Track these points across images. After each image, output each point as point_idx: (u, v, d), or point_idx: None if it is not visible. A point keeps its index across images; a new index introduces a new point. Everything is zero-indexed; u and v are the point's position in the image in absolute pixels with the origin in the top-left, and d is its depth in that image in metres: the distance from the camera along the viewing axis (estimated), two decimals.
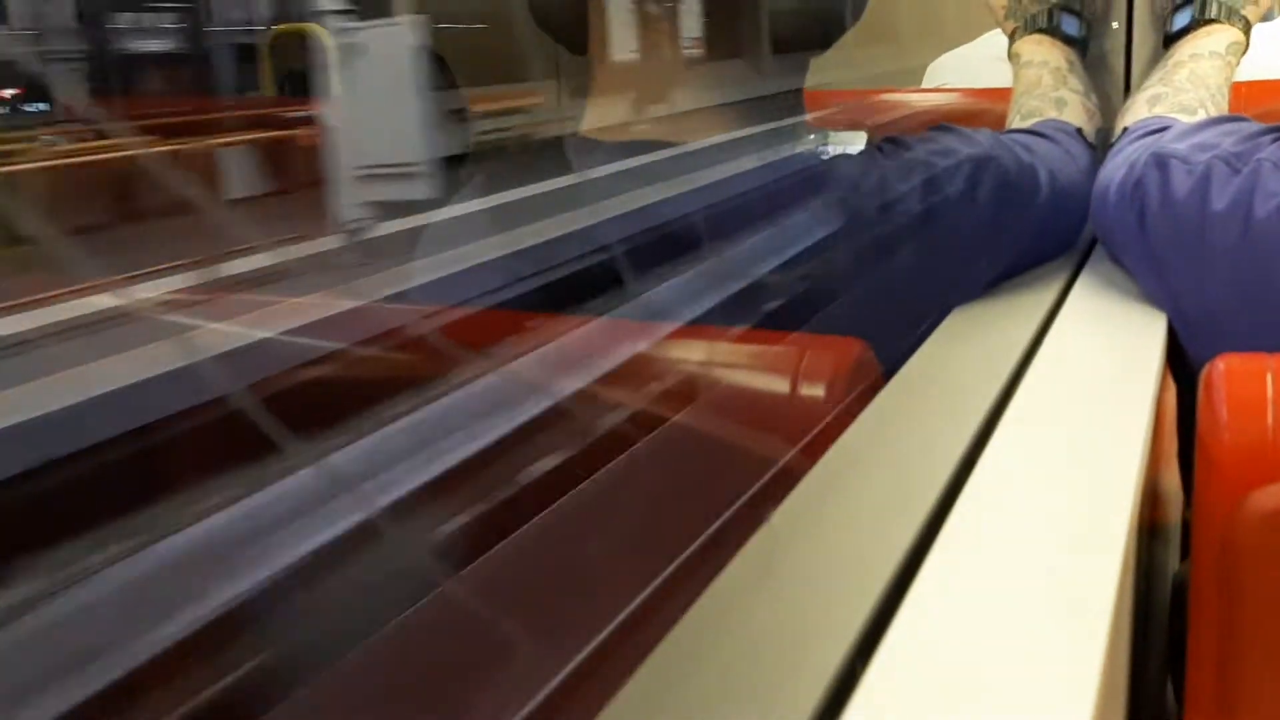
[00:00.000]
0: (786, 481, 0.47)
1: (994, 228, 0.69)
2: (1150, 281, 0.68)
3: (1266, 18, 0.95)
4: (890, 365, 0.60)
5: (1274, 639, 0.50)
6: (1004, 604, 0.36)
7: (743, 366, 0.59)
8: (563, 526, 0.43)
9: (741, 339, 0.60)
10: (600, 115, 0.75)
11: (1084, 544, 0.39)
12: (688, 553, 0.43)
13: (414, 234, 0.76)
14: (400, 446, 0.43)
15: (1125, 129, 0.82)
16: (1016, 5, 0.97)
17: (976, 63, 1.57)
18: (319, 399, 0.48)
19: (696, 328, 0.59)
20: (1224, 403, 0.51)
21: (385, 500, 0.39)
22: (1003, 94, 0.96)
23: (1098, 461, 0.46)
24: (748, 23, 0.77)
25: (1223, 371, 0.53)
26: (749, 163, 0.70)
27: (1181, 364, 0.66)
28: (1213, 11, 0.90)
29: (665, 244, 0.62)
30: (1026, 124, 0.85)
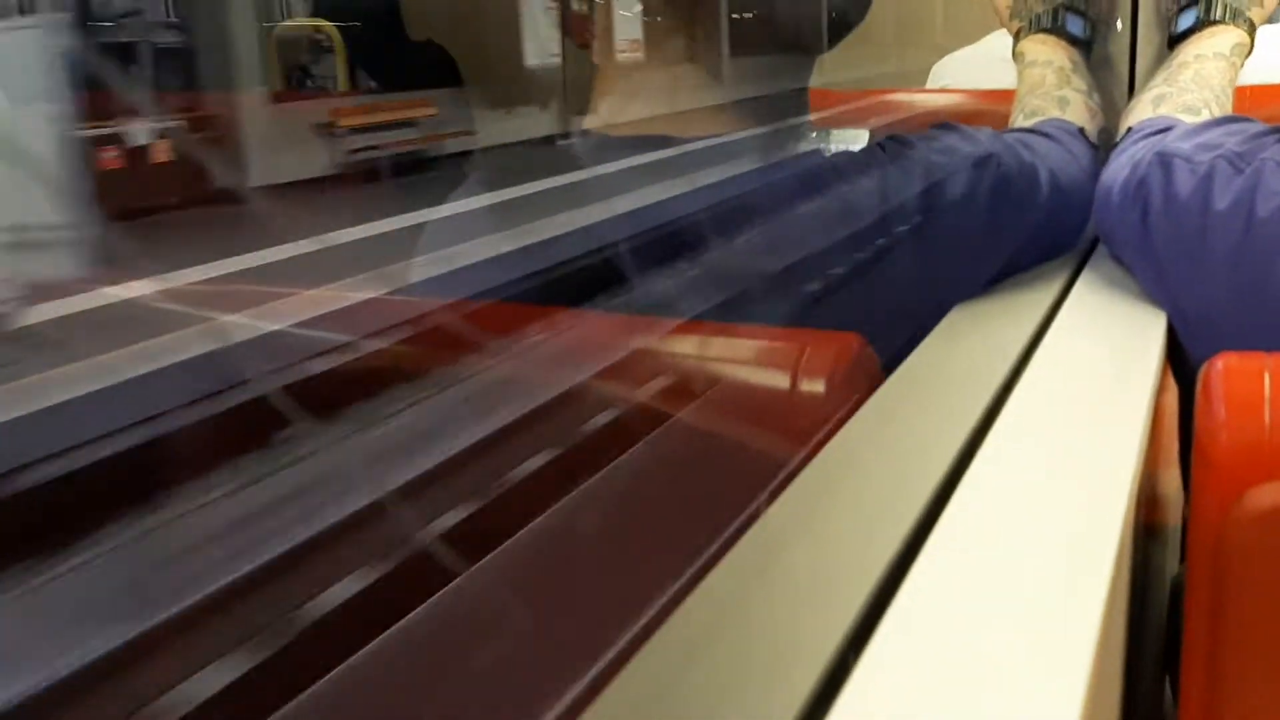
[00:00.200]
0: (784, 476, 0.47)
1: (994, 226, 0.69)
2: (1151, 281, 0.68)
3: (1272, 20, 0.94)
4: (890, 362, 0.60)
5: (1268, 638, 0.50)
6: (995, 603, 0.35)
7: (742, 362, 0.59)
8: (557, 523, 0.43)
9: (741, 334, 0.60)
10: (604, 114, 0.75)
11: (1077, 543, 0.39)
12: (683, 547, 0.43)
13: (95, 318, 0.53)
14: (391, 445, 0.43)
15: (1129, 129, 0.82)
16: (1021, 5, 0.97)
17: (981, 63, 1.56)
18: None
19: (695, 323, 0.59)
20: (1221, 402, 0.51)
21: (380, 498, 0.39)
22: (1007, 95, 0.96)
23: (1093, 460, 0.46)
24: (752, 23, 0.76)
25: (1220, 370, 0.53)
26: (746, 162, 0.70)
27: (1183, 364, 0.66)
28: (1217, 13, 0.90)
29: (659, 247, 0.63)
30: (1029, 123, 0.85)
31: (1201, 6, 0.91)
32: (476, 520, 0.41)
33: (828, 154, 0.72)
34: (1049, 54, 0.92)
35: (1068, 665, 0.32)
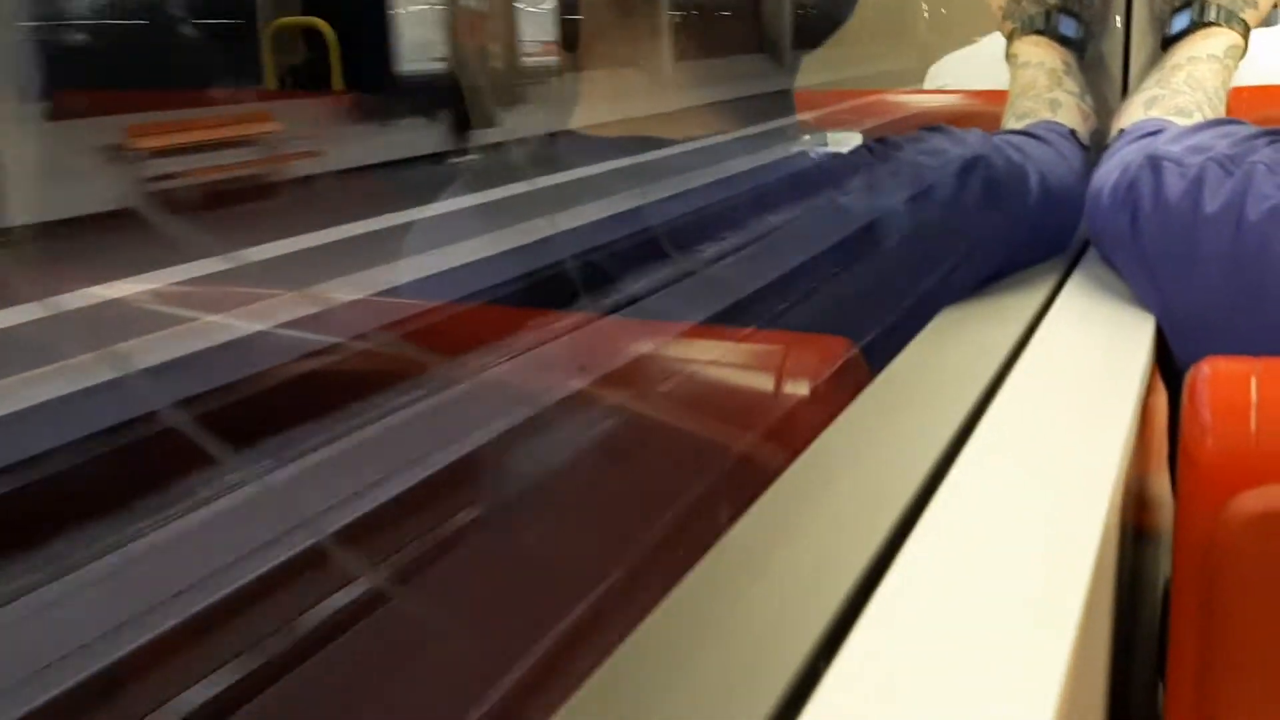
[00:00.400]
0: (768, 479, 0.47)
1: (982, 229, 0.69)
2: (1141, 283, 0.68)
3: (1266, 22, 0.94)
4: (878, 364, 0.59)
5: (1255, 644, 0.50)
6: (972, 605, 0.35)
7: (728, 364, 0.59)
8: (535, 521, 0.43)
9: (727, 337, 0.60)
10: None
11: (1056, 545, 0.39)
12: (663, 548, 0.43)
13: None
14: (370, 453, 0.43)
15: (1121, 131, 0.82)
16: (1015, 6, 0.96)
17: (978, 64, 1.56)
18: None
19: (680, 325, 0.59)
20: (1208, 406, 0.51)
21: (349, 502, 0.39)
22: (1004, 96, 0.96)
23: (1076, 463, 0.46)
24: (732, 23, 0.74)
25: (1207, 375, 0.52)
26: (698, 176, 0.69)
27: (1172, 368, 0.66)
28: (1211, 15, 0.90)
29: (645, 249, 0.62)
30: (1021, 125, 0.85)
31: (1195, 8, 0.91)
32: (451, 521, 0.40)
33: (816, 156, 0.72)
34: (1041, 56, 0.92)
35: (1044, 666, 0.32)
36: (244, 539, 0.34)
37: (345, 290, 0.48)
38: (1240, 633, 0.51)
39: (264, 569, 0.32)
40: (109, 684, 0.28)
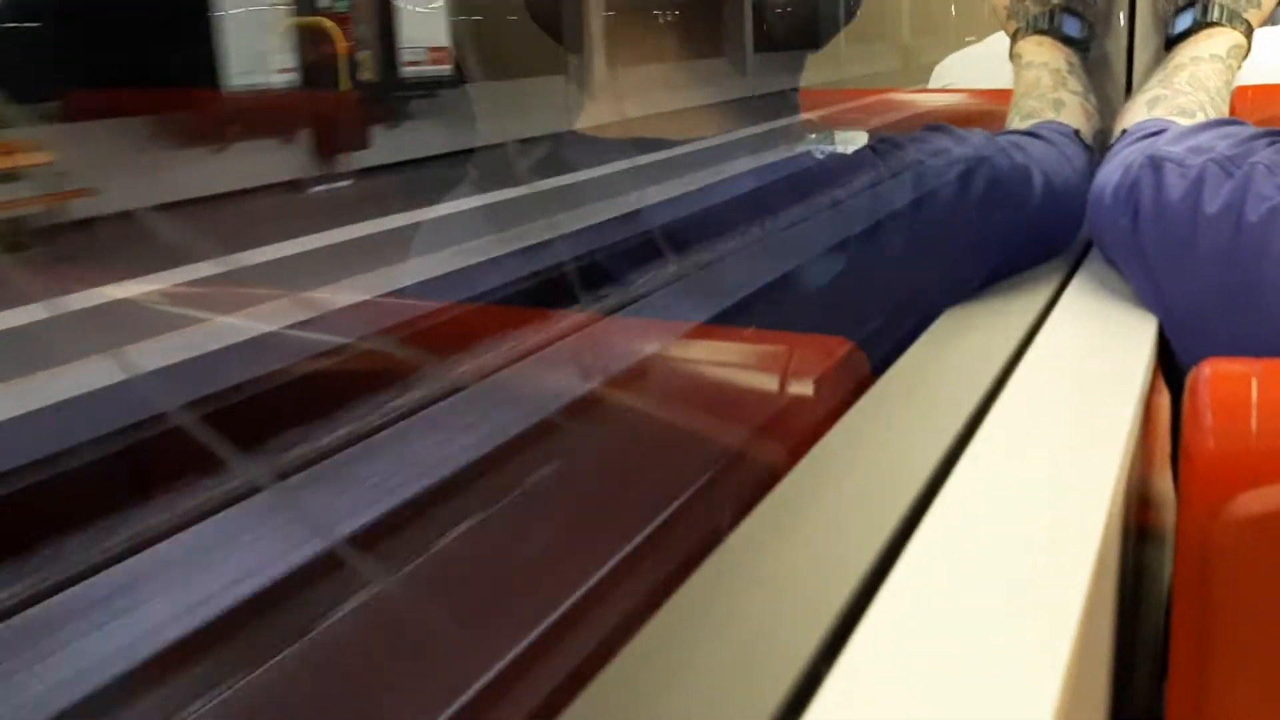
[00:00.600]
0: (770, 480, 0.47)
1: (985, 228, 0.69)
2: (1143, 284, 0.68)
3: (1270, 21, 0.94)
4: (880, 365, 0.59)
5: (1255, 644, 0.50)
6: (973, 606, 0.35)
7: (730, 365, 0.59)
8: (538, 521, 0.43)
9: (729, 337, 0.60)
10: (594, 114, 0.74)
11: (1058, 546, 0.39)
12: (665, 549, 0.43)
13: None
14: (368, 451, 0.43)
15: (1124, 131, 0.82)
16: (1018, 6, 0.96)
17: (984, 63, 1.56)
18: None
19: (682, 325, 0.59)
20: (1208, 407, 0.51)
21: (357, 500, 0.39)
22: (1009, 95, 0.96)
23: (1077, 463, 0.46)
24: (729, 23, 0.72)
25: (1207, 376, 0.52)
26: (738, 165, 0.68)
27: (1174, 369, 0.66)
28: (1215, 14, 0.90)
29: (647, 249, 0.62)
30: (1025, 125, 0.85)
31: (1199, 8, 0.91)
32: (455, 516, 0.41)
33: (820, 155, 0.72)
34: (1045, 56, 0.92)
35: (1044, 666, 0.32)
36: (263, 542, 0.34)
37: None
38: (1241, 633, 0.51)
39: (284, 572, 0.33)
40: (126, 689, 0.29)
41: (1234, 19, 0.90)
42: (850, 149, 0.73)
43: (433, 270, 0.50)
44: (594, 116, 0.61)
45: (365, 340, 0.43)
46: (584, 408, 0.52)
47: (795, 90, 0.76)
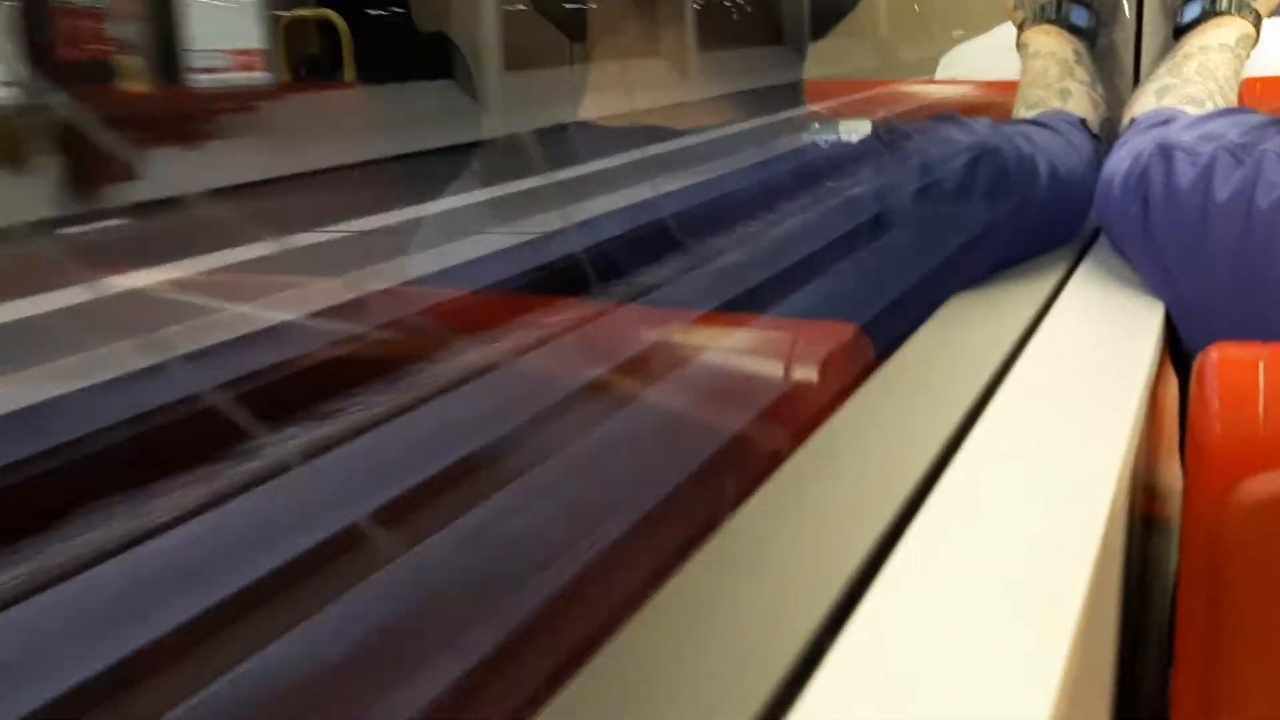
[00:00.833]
0: (773, 464, 0.47)
1: (991, 217, 0.69)
2: (1151, 272, 0.68)
3: (1279, 11, 0.94)
4: (886, 351, 0.59)
5: (1261, 629, 0.50)
6: (974, 592, 0.35)
7: (735, 350, 0.59)
8: (541, 506, 0.43)
9: (735, 323, 0.60)
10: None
11: (1061, 533, 0.39)
12: (667, 534, 0.43)
13: None
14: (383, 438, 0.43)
15: (1133, 120, 0.82)
16: None
17: (991, 54, 1.56)
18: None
19: (688, 312, 0.59)
20: (1215, 392, 0.51)
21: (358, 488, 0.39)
22: (1016, 87, 0.95)
23: (1082, 450, 0.46)
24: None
25: (1215, 361, 0.52)
26: (745, 152, 0.68)
27: (1182, 357, 0.65)
28: (1223, 4, 0.90)
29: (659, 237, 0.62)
30: (1031, 114, 0.85)
31: None
32: (453, 503, 0.41)
33: (826, 144, 0.71)
34: (1052, 45, 0.92)
35: (1046, 653, 0.32)
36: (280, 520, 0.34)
37: None
38: (1247, 618, 0.51)
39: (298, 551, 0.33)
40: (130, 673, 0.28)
41: (1243, 8, 0.89)
42: (856, 139, 0.72)
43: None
44: (492, 129, 0.53)
45: None
46: (585, 395, 0.52)
47: (771, 89, 0.74)
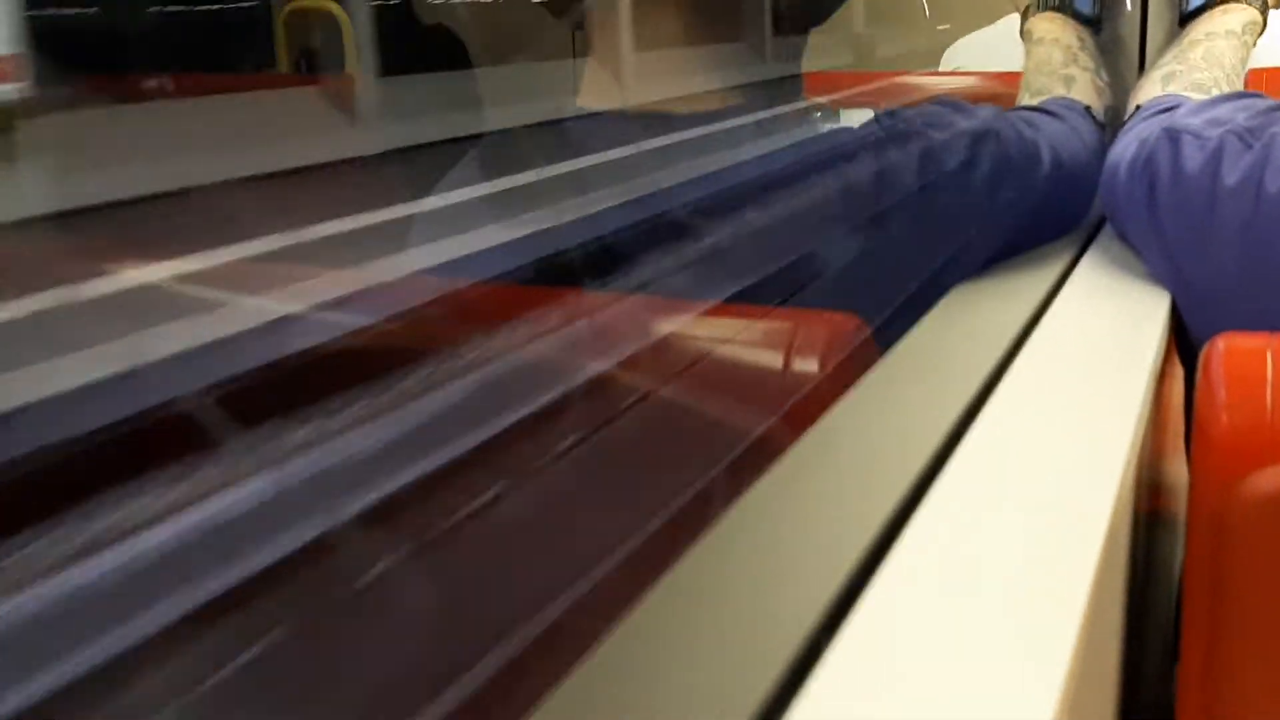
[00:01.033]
0: (773, 455, 0.46)
1: (993, 203, 0.68)
2: (1157, 259, 0.67)
3: None
4: (888, 342, 0.58)
5: (1268, 625, 0.49)
6: (976, 585, 0.34)
7: (735, 341, 0.58)
8: (539, 498, 0.43)
9: (734, 313, 0.59)
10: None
11: (1065, 526, 0.38)
12: (666, 523, 0.42)
13: None
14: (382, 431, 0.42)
15: (1138, 107, 0.81)
16: None
17: (996, 46, 1.55)
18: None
19: (687, 302, 0.58)
20: (1222, 383, 0.50)
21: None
22: (1019, 78, 0.94)
23: (1087, 441, 0.45)
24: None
25: (1221, 351, 0.51)
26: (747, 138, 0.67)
27: (1188, 346, 0.64)
28: None
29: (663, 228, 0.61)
30: (1035, 101, 0.84)
31: None
32: (454, 495, 0.40)
33: (825, 129, 0.70)
34: (1056, 32, 0.91)
35: (1049, 647, 0.31)
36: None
37: None
38: (1253, 614, 0.50)
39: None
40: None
41: None
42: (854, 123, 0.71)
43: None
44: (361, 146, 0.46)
45: None
46: (588, 386, 0.51)
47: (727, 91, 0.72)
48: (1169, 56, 0.87)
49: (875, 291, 0.62)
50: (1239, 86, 0.84)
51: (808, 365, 0.55)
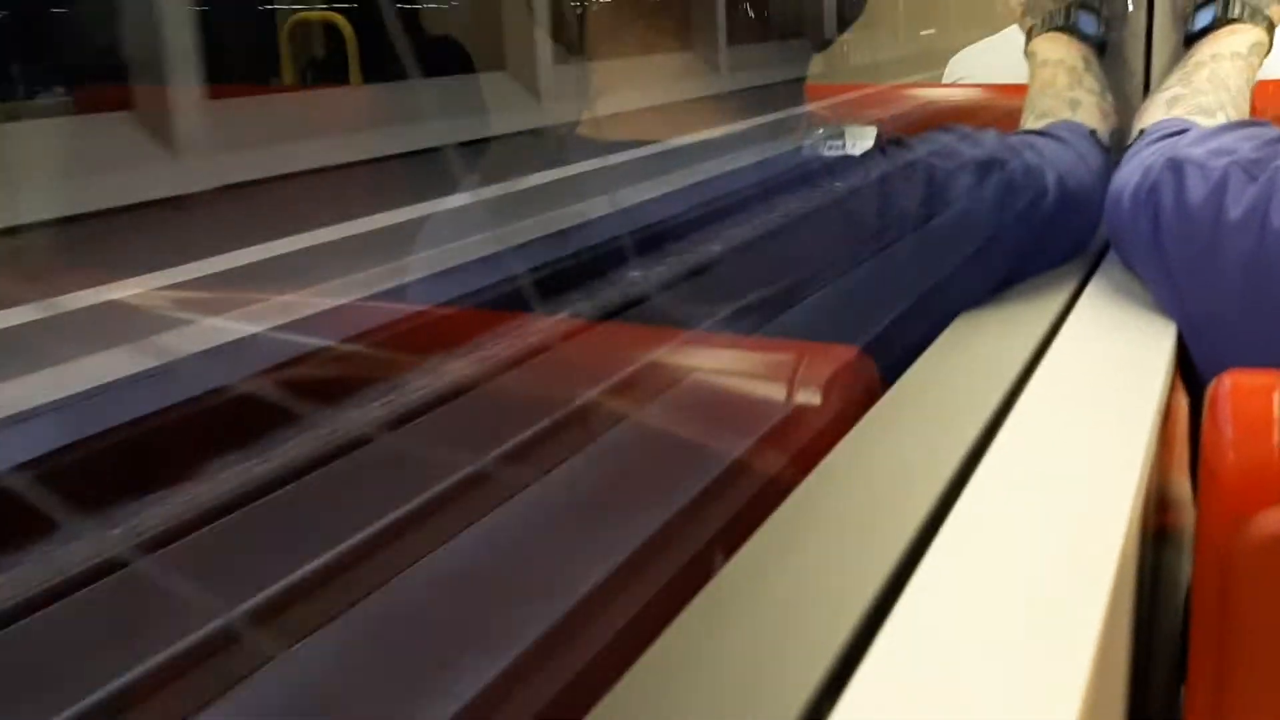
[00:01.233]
0: (780, 491, 0.46)
1: (998, 232, 0.68)
2: (1162, 289, 0.67)
3: None
4: (891, 373, 0.58)
5: (1274, 661, 0.49)
6: (993, 612, 0.35)
7: (737, 374, 0.58)
8: (552, 530, 0.43)
9: (736, 345, 0.59)
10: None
11: (1078, 555, 0.38)
12: (676, 560, 0.42)
13: None
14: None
15: (1142, 130, 0.80)
16: (1034, 2, 0.95)
17: (999, 57, 1.54)
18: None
19: (690, 333, 0.58)
20: (1229, 421, 0.50)
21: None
22: (1024, 90, 0.94)
23: (1097, 471, 0.45)
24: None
25: (1228, 388, 0.51)
26: (738, 161, 0.66)
27: (1193, 376, 0.64)
28: (1236, 10, 0.88)
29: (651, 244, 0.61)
30: (1040, 124, 0.84)
31: (1219, 4, 0.89)
32: (469, 524, 0.40)
33: (828, 156, 0.70)
34: (1061, 53, 0.91)
35: (1066, 673, 0.32)
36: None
37: None
38: (1260, 649, 0.49)
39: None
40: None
41: (1256, 15, 0.88)
42: (858, 151, 0.71)
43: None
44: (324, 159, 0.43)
45: None
46: (585, 416, 0.51)
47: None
48: (1174, 78, 0.86)
49: (880, 322, 0.62)
50: (1245, 109, 0.84)
51: (811, 398, 0.55)
